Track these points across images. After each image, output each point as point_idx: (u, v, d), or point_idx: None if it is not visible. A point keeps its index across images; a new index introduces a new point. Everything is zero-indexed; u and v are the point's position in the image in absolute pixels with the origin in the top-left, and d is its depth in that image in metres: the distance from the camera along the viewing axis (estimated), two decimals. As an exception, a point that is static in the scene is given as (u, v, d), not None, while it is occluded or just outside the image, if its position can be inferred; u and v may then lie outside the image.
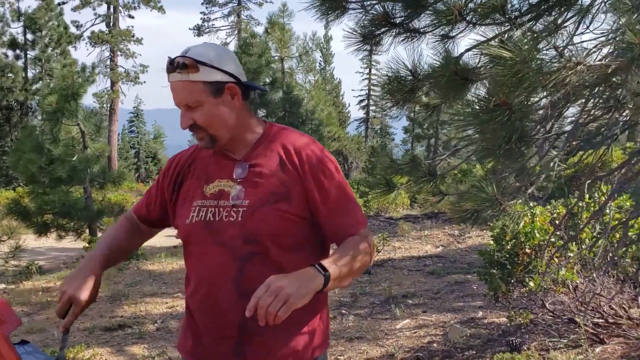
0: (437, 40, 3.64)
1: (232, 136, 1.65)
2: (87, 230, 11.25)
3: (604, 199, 3.66)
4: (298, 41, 16.01)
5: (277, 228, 1.57)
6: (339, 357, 4.80)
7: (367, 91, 45.87)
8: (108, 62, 38.42)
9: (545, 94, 2.21)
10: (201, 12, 43.45)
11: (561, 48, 2.03)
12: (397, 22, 3.57)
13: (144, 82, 40.40)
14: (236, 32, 43.28)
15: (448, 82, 2.58)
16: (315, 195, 1.60)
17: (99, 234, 11.32)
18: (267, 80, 14.56)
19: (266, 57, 14.00)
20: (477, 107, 2.20)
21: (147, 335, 5.59)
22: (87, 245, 10.19)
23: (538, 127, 2.54)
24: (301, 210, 1.60)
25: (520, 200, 3.11)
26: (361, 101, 46.17)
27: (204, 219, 1.63)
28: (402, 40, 3.70)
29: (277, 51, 15.07)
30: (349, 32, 3.86)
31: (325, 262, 1.50)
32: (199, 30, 43.85)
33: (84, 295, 1.61)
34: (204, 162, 1.73)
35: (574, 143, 3.53)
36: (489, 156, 2.56)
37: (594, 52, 1.87)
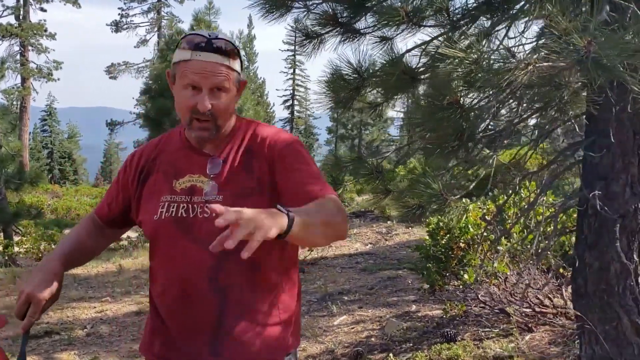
0: (377, 42, 3.74)
1: (223, 128, 1.62)
2: (2, 234, 10.61)
3: (533, 195, 3.87)
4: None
5: None
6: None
7: (291, 91, 45.97)
8: (18, 57, 36.35)
9: (492, 93, 2.32)
10: (119, 8, 41.94)
11: (502, 49, 2.13)
12: (343, 22, 3.63)
13: (58, 79, 38.53)
14: (156, 29, 42.19)
15: (397, 81, 2.64)
16: (282, 175, 1.56)
17: (15, 238, 10.71)
18: (194, 78, 14.25)
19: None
20: (426, 105, 2.27)
21: (77, 341, 5.37)
22: (2, 250, 9.61)
23: (483, 124, 2.67)
24: (274, 200, 1.52)
25: (459, 196, 3.23)
26: (286, 101, 46.23)
27: (175, 214, 1.58)
28: (345, 39, 3.76)
29: (204, 49, 14.77)
30: (291, 30, 3.89)
31: (295, 210, 1.38)
32: (116, 26, 42.34)
33: (44, 293, 1.52)
34: (171, 156, 1.67)
35: (505, 142, 3.73)
36: (436, 153, 2.65)
37: (541, 54, 1.98)
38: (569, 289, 5.03)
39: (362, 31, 3.71)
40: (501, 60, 1.89)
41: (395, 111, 3.60)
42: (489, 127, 3.25)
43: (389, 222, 11.57)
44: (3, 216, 10.11)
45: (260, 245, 1.48)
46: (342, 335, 5.10)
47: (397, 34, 3.64)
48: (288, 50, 45.66)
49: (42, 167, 45.09)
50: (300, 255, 7.99)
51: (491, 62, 1.91)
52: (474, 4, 3.02)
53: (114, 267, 9.18)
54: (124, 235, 14.44)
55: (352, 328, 5.29)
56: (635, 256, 3.48)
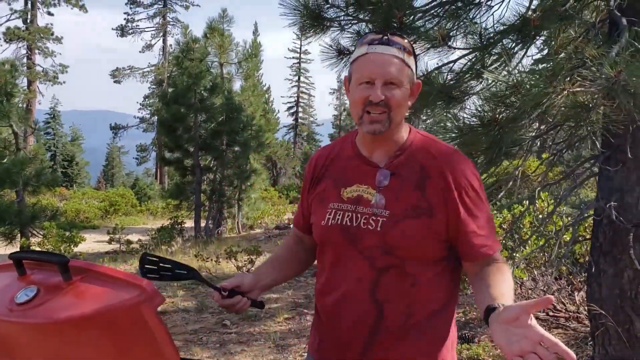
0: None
1: (393, 131, 1.58)
2: (19, 235, 10.85)
3: (551, 206, 4.11)
4: (238, 47, 16.16)
5: (417, 243, 1.52)
6: (303, 354, 5.02)
7: (296, 98, 46.33)
8: (25, 60, 36.65)
9: (526, 112, 2.56)
10: (125, 13, 42.31)
11: (538, 74, 2.38)
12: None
13: (64, 82, 38.85)
14: (161, 34, 42.54)
15: (434, 98, 2.88)
16: (459, 218, 1.53)
17: (32, 239, 10.94)
18: (208, 85, 14.56)
19: (206, 62, 14.05)
20: (469, 122, 2.51)
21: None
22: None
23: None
24: (441, 228, 1.53)
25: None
26: (290, 107, 46.58)
27: (341, 222, 1.59)
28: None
29: (217, 57, 15.15)
30: (326, 47, 4.13)
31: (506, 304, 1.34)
32: (122, 31, 42.68)
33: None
34: (342, 165, 1.68)
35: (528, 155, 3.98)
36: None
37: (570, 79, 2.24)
38: (580, 295, 5.27)
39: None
40: (540, 85, 2.13)
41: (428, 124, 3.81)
42: (517, 141, 3.51)
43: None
44: (21, 218, 10.35)
45: (422, 263, 1.55)
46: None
47: (426, 53, 3.92)
48: (293, 57, 46.13)
49: (46, 170, 45.29)
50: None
51: (528, 86, 2.16)
52: (502, 28, 3.27)
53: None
54: (135, 239, 14.67)
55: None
56: (647, 263, 3.72)
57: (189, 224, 15.55)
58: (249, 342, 5.34)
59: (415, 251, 1.53)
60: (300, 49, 45.87)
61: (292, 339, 5.40)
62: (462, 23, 3.79)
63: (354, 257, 1.57)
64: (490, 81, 2.36)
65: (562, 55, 3.13)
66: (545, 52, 3.18)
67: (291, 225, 15.17)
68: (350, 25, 3.96)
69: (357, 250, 1.56)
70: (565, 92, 2.08)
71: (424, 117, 3.66)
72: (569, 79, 2.20)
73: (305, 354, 5.02)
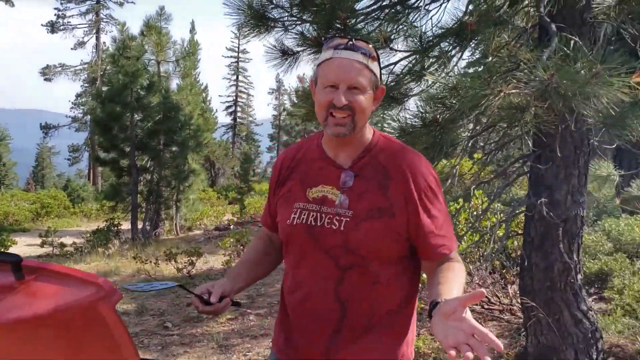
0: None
1: (356, 134, 1.62)
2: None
3: (485, 203, 4.28)
4: (175, 45, 15.84)
5: (379, 242, 1.57)
6: (247, 353, 5.02)
7: (234, 97, 45.93)
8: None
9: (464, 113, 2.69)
10: (55, 8, 40.71)
11: (478, 77, 2.50)
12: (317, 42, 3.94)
13: (-11, 79, 36.98)
14: (95, 31, 41.22)
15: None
16: (419, 218, 1.58)
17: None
18: (145, 83, 14.23)
19: (143, 60, 13.73)
20: (411, 122, 2.61)
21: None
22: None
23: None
24: (402, 228, 1.58)
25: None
26: (228, 107, 46.12)
27: (306, 222, 1.63)
28: (315, 58, 4.08)
29: (154, 55, 14.81)
30: (270, 47, 4.16)
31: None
32: (52, 27, 41.05)
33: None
34: (307, 166, 1.72)
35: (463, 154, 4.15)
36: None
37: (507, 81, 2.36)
38: (512, 288, 5.52)
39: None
40: (477, 87, 2.25)
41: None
42: (454, 141, 3.65)
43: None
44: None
45: (384, 261, 1.61)
46: (305, 334, 5.37)
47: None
48: (231, 57, 45.70)
49: (-31, 171, 42.96)
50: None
51: (467, 88, 2.27)
52: (440, 31, 3.40)
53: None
54: (69, 242, 14.17)
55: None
56: (575, 256, 3.95)
57: (126, 225, 15.17)
58: (191, 344, 5.29)
59: (377, 250, 1.58)
60: (239, 48, 45.52)
61: (235, 339, 5.39)
62: (402, 26, 3.91)
63: (318, 256, 1.61)
64: (430, 82, 2.46)
65: (496, 58, 3.30)
66: (479, 55, 3.32)
67: (232, 227, 15.08)
68: (294, 26, 4.00)
69: (321, 250, 1.61)
70: (502, 93, 2.20)
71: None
72: (503, 81, 2.32)
73: (249, 353, 5.04)
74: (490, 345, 1.22)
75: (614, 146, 4.23)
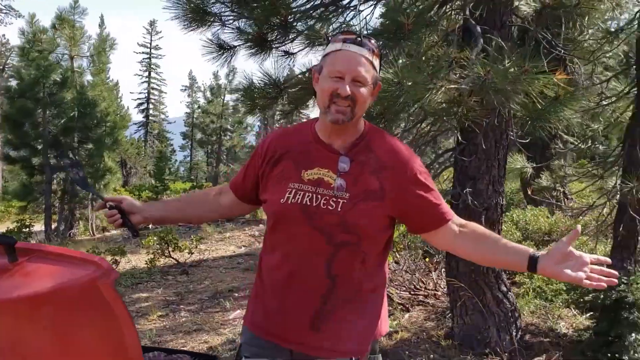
0: (282, 55, 4.21)
1: (354, 124, 1.75)
2: None
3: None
4: (90, 40, 15.21)
5: (373, 223, 1.71)
6: (181, 348, 5.01)
7: (146, 94, 44.58)
8: None
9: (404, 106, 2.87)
10: (-52, -4, 37.69)
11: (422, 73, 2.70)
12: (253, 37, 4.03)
13: None
14: (-8, 21, 38.62)
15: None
16: (419, 197, 1.72)
17: None
18: (58, 78, 13.56)
19: (55, 54, 13.11)
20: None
21: None
22: None
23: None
24: (392, 211, 1.73)
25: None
26: (140, 104, 44.71)
27: (301, 202, 1.72)
28: (256, 53, 4.16)
29: (67, 49, 14.14)
30: (207, 42, 4.19)
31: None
32: (-56, 16, 37.99)
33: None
34: (302, 148, 1.80)
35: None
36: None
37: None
38: (435, 274, 5.85)
39: (268, 45, 4.14)
40: (422, 82, 2.43)
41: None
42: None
43: (260, 225, 11.98)
44: None
45: (372, 241, 1.76)
46: (239, 327, 5.42)
47: (300, 50, 4.15)
48: (143, 52, 44.36)
49: None
50: (180, 258, 8.02)
51: (411, 82, 2.45)
52: (379, 30, 3.58)
53: None
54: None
55: (248, 320, 5.63)
56: (495, 241, 4.27)
57: (38, 226, 14.43)
58: (123, 342, 5.19)
59: (371, 230, 1.71)
60: (151, 44, 44.26)
61: (168, 336, 5.35)
62: (336, 24, 4.08)
63: (311, 234, 1.71)
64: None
65: (429, 57, 3.52)
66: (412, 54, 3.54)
67: (150, 226, 14.68)
68: (232, 21, 4.06)
69: (315, 228, 1.70)
70: (443, 88, 2.40)
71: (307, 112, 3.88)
72: (445, 76, 2.52)
73: (184, 348, 5.03)
74: (604, 263, 1.60)
75: (527, 140, 4.60)
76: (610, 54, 4.88)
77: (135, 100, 44.74)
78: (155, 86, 44.85)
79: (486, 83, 2.32)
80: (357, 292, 1.75)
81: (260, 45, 4.03)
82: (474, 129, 3.66)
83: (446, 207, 1.79)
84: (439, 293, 5.50)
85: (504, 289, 4.37)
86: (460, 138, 3.55)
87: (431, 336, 4.57)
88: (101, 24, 25.21)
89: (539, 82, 2.40)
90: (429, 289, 5.51)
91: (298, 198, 1.73)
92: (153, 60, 44.56)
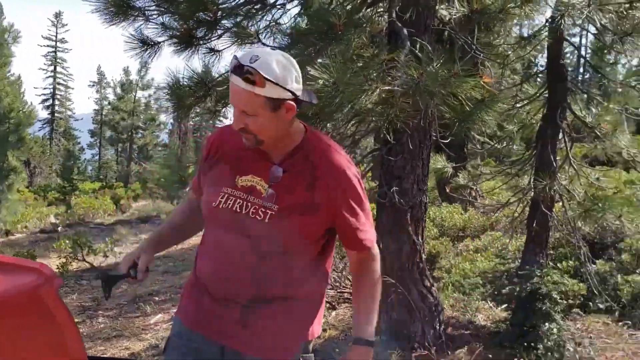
0: (208, 52, 4.14)
1: (276, 142, 1.70)
2: None
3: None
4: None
5: (302, 236, 1.70)
6: (102, 355, 4.80)
7: (51, 90, 42.25)
8: None
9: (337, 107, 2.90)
10: None
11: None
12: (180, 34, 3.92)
13: None
14: None
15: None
16: (344, 216, 1.70)
17: None
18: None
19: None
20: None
21: None
22: None
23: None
24: (324, 224, 1.71)
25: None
26: (45, 100, 42.30)
27: (232, 208, 1.70)
28: (180, 49, 4.06)
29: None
30: (129, 37, 4.04)
31: (367, 332, 1.74)
32: None
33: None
34: (242, 153, 1.76)
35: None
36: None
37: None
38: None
39: (195, 42, 4.05)
40: (358, 84, 2.47)
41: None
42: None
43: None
44: None
45: (299, 252, 1.72)
46: (162, 332, 5.27)
47: (227, 47, 4.10)
48: (48, 46, 42.04)
49: None
50: (95, 261, 7.69)
51: (347, 84, 2.48)
52: (309, 29, 3.59)
53: None
54: None
55: (170, 324, 5.48)
56: (420, 239, 4.41)
57: None
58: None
59: (298, 243, 1.70)
60: (57, 37, 41.98)
61: (86, 343, 5.10)
62: (263, 23, 4.05)
63: (239, 240, 1.70)
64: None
65: (359, 58, 3.57)
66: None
67: (59, 228, 13.97)
68: (156, 16, 3.93)
69: (243, 235, 1.69)
70: (378, 89, 2.44)
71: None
72: (379, 78, 2.57)
73: (104, 355, 4.82)
74: None
75: (447, 141, 4.78)
76: (518, 58, 5.17)
77: (40, 96, 42.29)
78: (61, 81, 42.58)
79: (420, 85, 2.38)
80: (284, 299, 1.74)
81: (186, 42, 3.94)
82: (404, 129, 3.75)
83: (366, 235, 1.77)
84: (364, 290, 5.59)
85: (428, 284, 4.51)
86: (391, 138, 3.62)
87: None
88: (0, 14, 23.64)
89: (467, 84, 2.50)
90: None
91: (229, 204, 1.71)
92: (59, 54, 42.31)
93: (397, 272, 4.38)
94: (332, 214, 1.70)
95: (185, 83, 3.83)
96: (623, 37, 3.76)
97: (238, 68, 1.57)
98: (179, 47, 3.99)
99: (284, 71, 1.60)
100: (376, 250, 1.82)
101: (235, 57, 1.60)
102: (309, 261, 1.76)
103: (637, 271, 5.50)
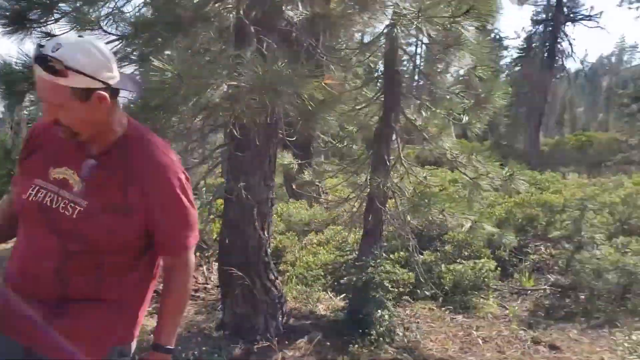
0: (44, 36, 3.88)
1: (93, 133, 1.61)
2: None
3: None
4: None
5: (109, 236, 1.60)
6: None
7: None
8: None
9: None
10: None
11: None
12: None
13: None
14: None
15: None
16: (157, 222, 1.64)
17: None
18: None
19: None
20: (138, 107, 2.68)
21: None
22: None
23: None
24: (138, 224, 1.63)
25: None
26: None
27: (41, 201, 1.61)
28: (13, 31, 3.76)
29: None
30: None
31: (168, 341, 1.68)
32: None
33: None
34: (58, 143, 1.65)
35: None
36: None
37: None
38: (205, 268, 5.92)
39: (28, 25, 3.78)
40: (204, 77, 2.47)
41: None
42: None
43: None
44: None
45: (111, 251, 1.62)
46: None
47: (65, 33, 3.87)
48: None
49: None
50: None
51: (194, 77, 2.48)
52: (154, 18, 3.52)
53: None
54: None
55: None
56: (265, 234, 4.51)
57: None
58: None
59: (105, 243, 1.61)
60: None
61: None
62: (106, 10, 3.89)
63: (45, 237, 1.61)
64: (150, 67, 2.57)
65: (206, 52, 3.57)
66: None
67: None
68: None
69: (51, 231, 1.61)
70: (224, 85, 2.47)
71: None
72: (226, 73, 2.60)
73: None
74: None
75: (293, 138, 4.94)
76: (360, 63, 5.48)
77: None
78: None
79: (265, 82, 2.46)
80: (93, 300, 1.66)
81: (18, 23, 3.66)
82: (251, 125, 3.81)
83: (180, 241, 1.71)
84: (210, 286, 5.58)
85: (272, 277, 4.62)
86: (237, 134, 3.67)
87: (202, 329, 4.62)
88: None
89: (310, 85, 2.63)
90: (199, 283, 5.56)
91: (40, 196, 1.62)
92: None
93: (242, 267, 4.43)
94: (146, 218, 1.63)
95: (18, 69, 3.56)
96: (446, 48, 4.17)
97: (39, 58, 1.47)
98: (8, 29, 3.70)
99: (91, 59, 1.51)
100: (191, 258, 1.75)
101: (38, 45, 1.51)
102: (123, 263, 1.68)
103: (458, 260, 6.13)
